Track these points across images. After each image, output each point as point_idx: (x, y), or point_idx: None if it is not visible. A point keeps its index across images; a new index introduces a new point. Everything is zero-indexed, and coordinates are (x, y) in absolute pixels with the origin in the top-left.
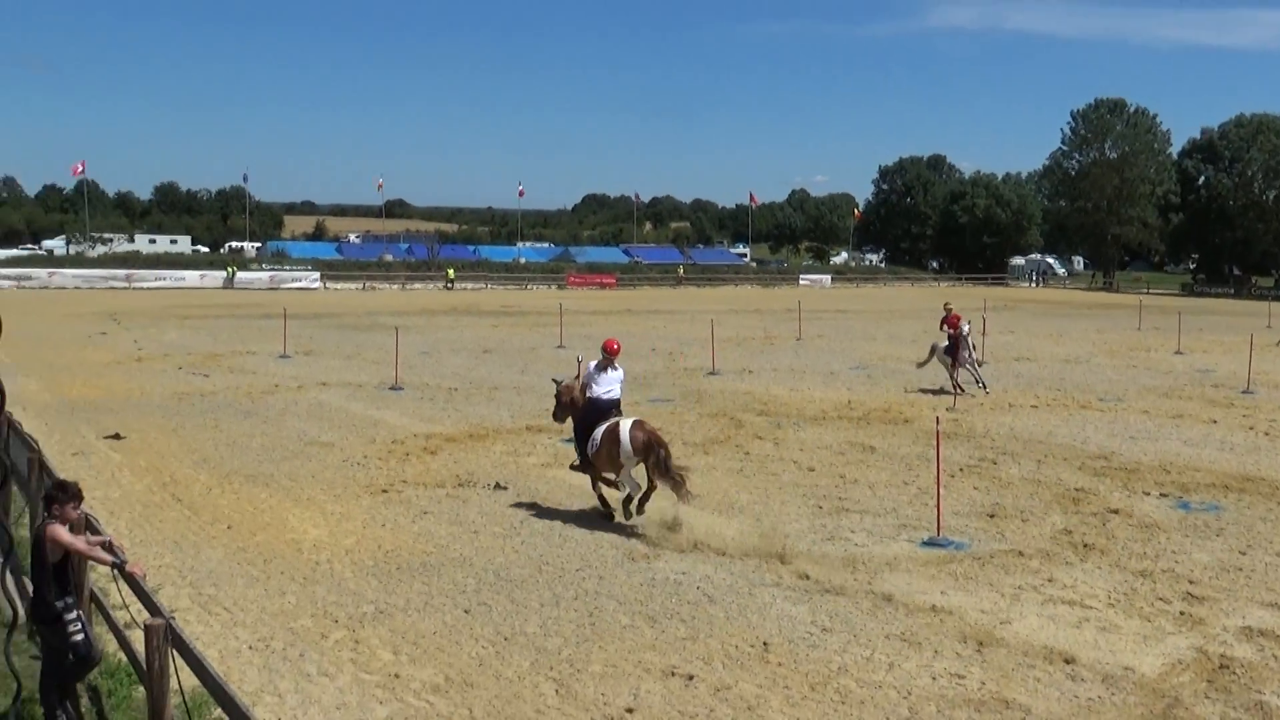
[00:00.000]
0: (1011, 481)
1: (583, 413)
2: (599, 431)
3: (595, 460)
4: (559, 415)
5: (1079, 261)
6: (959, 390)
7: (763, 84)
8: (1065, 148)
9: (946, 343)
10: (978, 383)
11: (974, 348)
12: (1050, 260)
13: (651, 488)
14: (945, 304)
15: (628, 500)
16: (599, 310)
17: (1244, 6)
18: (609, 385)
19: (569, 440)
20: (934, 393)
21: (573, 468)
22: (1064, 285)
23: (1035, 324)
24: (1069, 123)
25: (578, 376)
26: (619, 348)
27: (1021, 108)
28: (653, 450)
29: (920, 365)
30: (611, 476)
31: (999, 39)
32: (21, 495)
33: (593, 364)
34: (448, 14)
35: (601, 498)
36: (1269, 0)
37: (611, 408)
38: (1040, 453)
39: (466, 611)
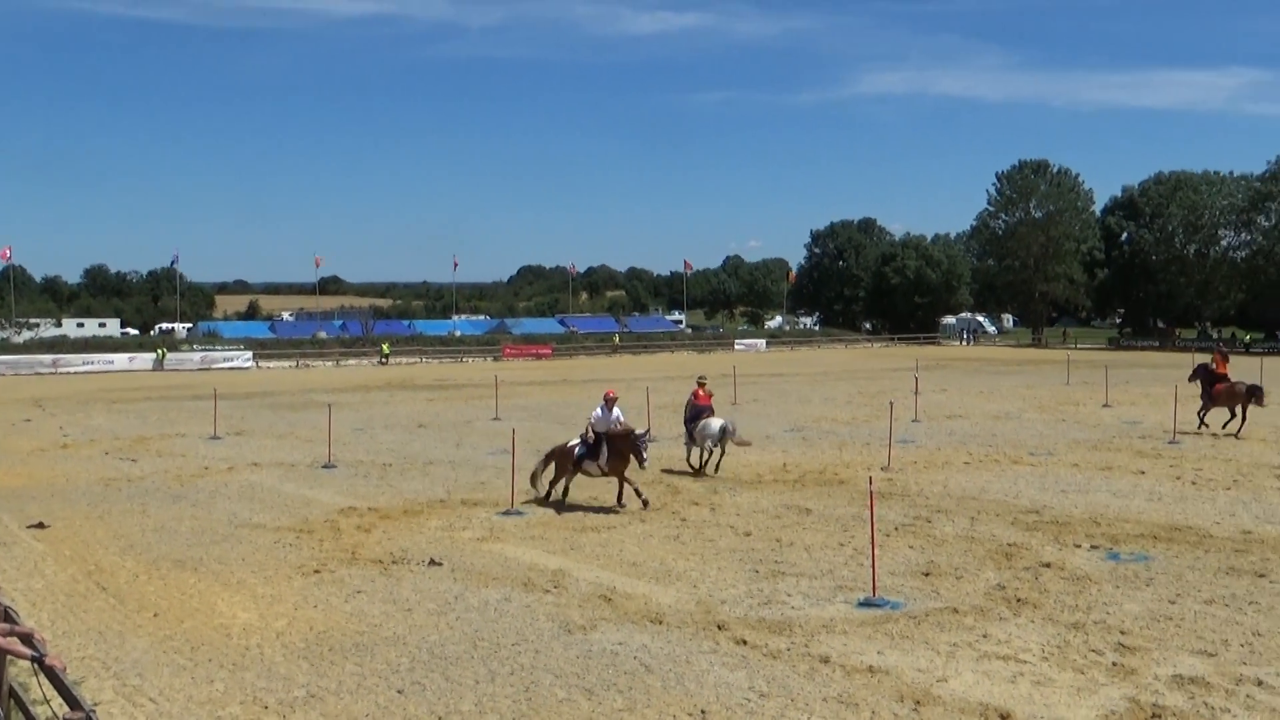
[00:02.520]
0: (945, 539)
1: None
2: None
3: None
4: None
5: (1009, 319)
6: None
7: (696, 152)
8: (992, 208)
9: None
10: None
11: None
12: (980, 319)
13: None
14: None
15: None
16: (535, 381)
17: (1161, 69)
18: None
19: (505, 513)
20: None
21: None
22: (994, 343)
23: (967, 381)
24: (994, 184)
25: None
26: (615, 396)
27: (949, 170)
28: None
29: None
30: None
31: (926, 103)
32: None
33: (597, 410)
34: (378, 87)
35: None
36: (1184, 62)
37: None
38: (973, 509)
39: (400, 692)
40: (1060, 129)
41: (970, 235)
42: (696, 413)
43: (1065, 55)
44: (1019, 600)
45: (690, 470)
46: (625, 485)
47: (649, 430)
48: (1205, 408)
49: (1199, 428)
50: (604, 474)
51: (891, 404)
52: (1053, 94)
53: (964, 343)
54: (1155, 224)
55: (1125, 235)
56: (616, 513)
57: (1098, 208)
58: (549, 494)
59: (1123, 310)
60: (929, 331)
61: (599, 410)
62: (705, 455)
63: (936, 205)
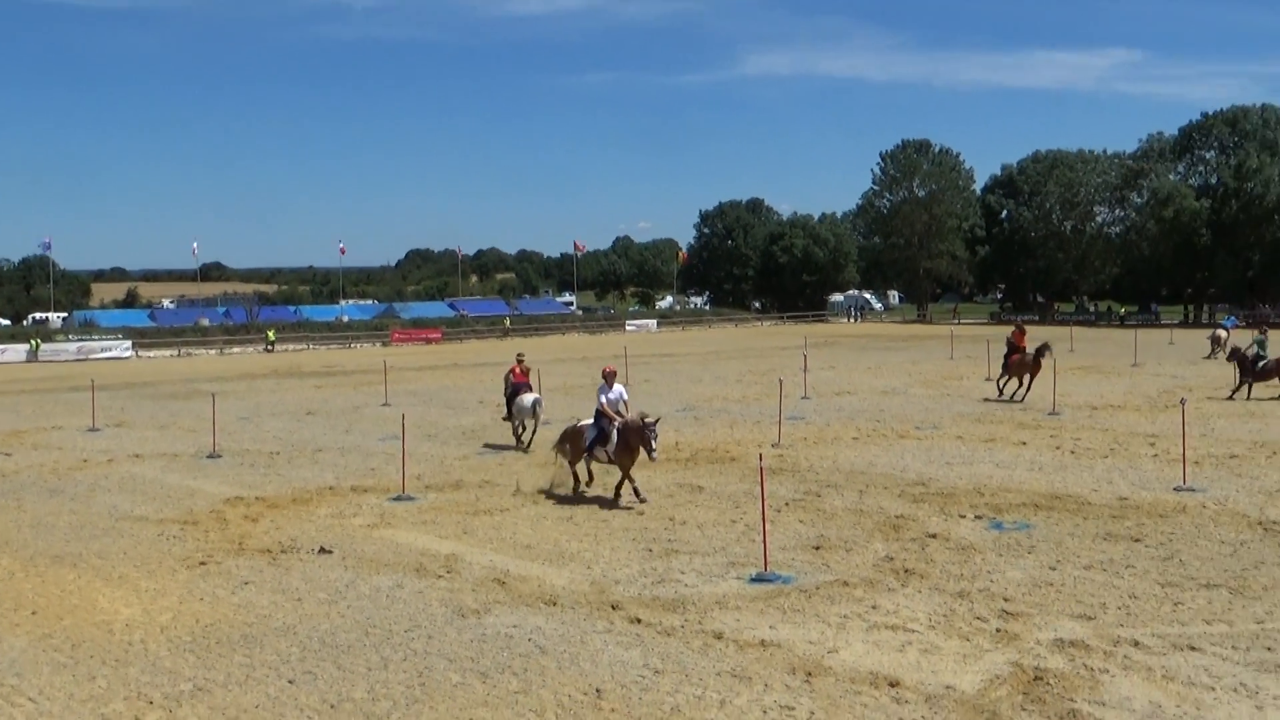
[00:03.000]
0: (835, 513)
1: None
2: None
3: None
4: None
5: (894, 296)
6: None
7: (585, 134)
8: (876, 187)
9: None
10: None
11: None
12: (867, 296)
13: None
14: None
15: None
16: (425, 365)
17: (1039, 49)
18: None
19: (396, 499)
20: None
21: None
22: (881, 319)
23: (854, 358)
24: (879, 163)
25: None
26: (614, 370)
27: (835, 150)
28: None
29: None
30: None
31: (811, 84)
32: None
33: (605, 389)
34: (258, 68)
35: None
36: (1062, 42)
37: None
38: (862, 483)
39: (291, 682)
40: (942, 109)
41: (856, 214)
42: (515, 390)
43: (946, 36)
44: (906, 571)
45: (516, 446)
46: (627, 481)
47: (658, 419)
48: (1005, 378)
49: (998, 396)
50: (609, 462)
51: (781, 381)
52: (934, 74)
53: (851, 320)
54: (1033, 201)
55: (1005, 212)
56: (515, 496)
57: (978, 186)
58: (578, 484)
59: (1003, 285)
60: (817, 309)
61: (604, 389)
62: (522, 430)
63: (823, 185)
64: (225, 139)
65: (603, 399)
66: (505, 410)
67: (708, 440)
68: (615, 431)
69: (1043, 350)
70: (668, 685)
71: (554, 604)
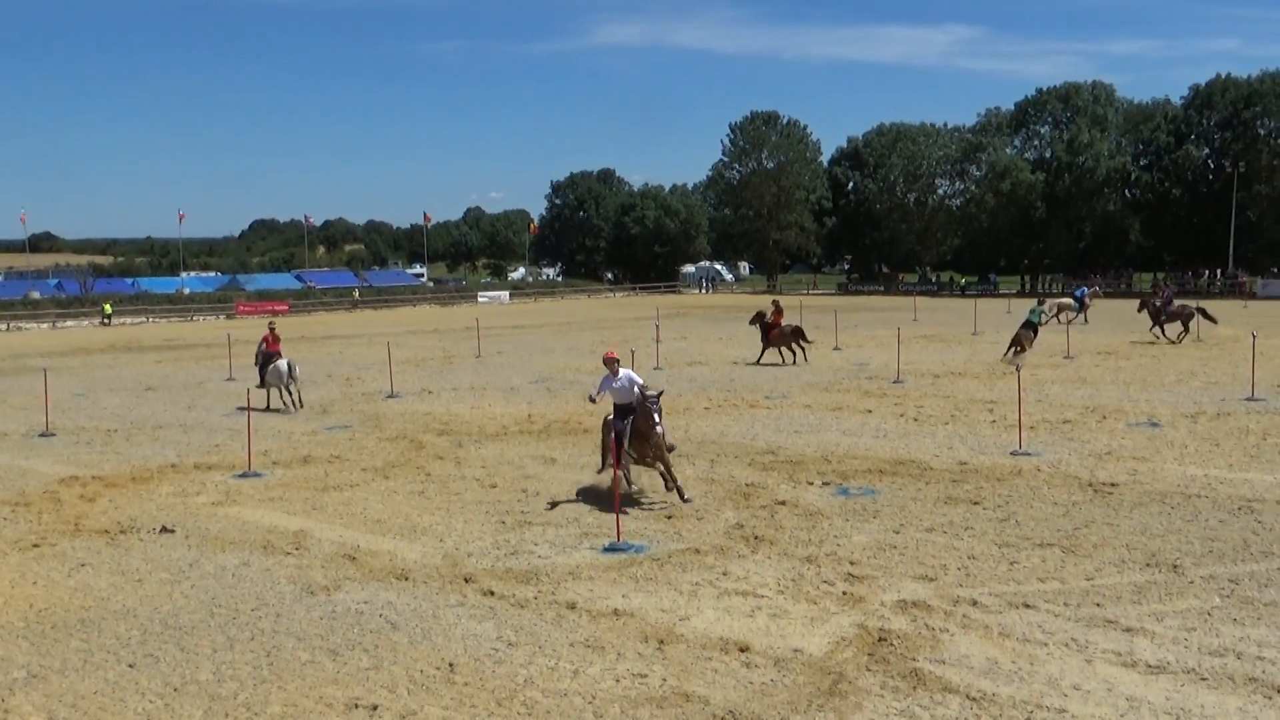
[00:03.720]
0: (687, 482)
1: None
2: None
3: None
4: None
5: (745, 267)
6: None
7: (434, 102)
8: (726, 159)
9: None
10: None
11: None
12: (719, 267)
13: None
14: None
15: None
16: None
17: (885, 24)
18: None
19: (242, 475)
20: None
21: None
22: (732, 290)
23: (706, 329)
24: (728, 135)
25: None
26: (616, 356)
27: (685, 121)
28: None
29: None
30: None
31: (662, 55)
32: None
33: (605, 377)
34: (91, 28)
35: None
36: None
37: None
38: (714, 452)
39: (131, 666)
40: (790, 81)
41: (706, 185)
42: (268, 358)
43: (794, 10)
44: (756, 538)
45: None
46: (664, 472)
47: (661, 392)
48: (764, 350)
49: (758, 361)
50: (638, 462)
51: (633, 352)
52: (783, 47)
53: (703, 291)
54: (878, 174)
55: (851, 185)
56: (370, 471)
57: (825, 158)
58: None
59: (850, 257)
60: (669, 280)
61: (607, 380)
62: (283, 394)
63: (674, 156)
64: (54, 103)
65: (603, 393)
66: (259, 379)
67: (560, 412)
68: (628, 424)
69: (798, 333)
70: (521, 657)
71: (406, 579)
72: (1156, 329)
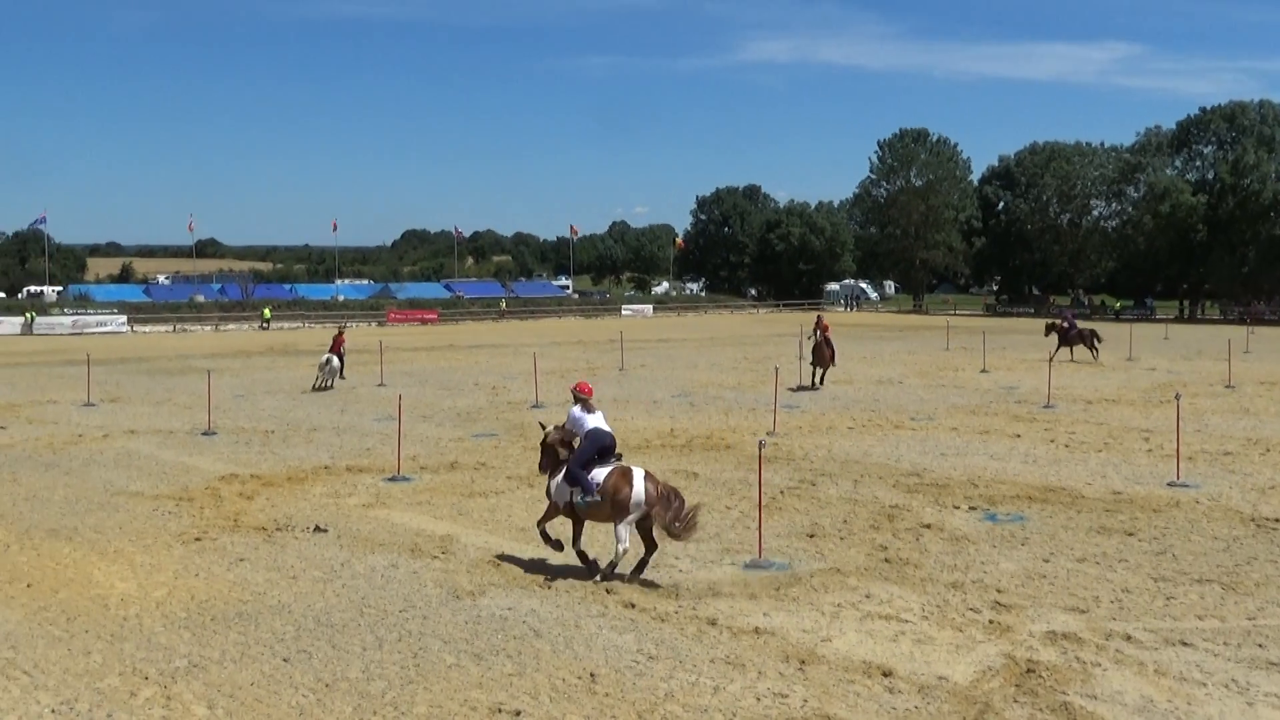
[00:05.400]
0: (830, 501)
1: (584, 448)
2: (602, 472)
3: (590, 507)
4: (545, 465)
5: (890, 286)
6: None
7: (582, 118)
8: (874, 176)
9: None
10: None
11: None
12: (863, 285)
13: (652, 549)
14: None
15: (611, 564)
16: (420, 347)
17: (1041, 41)
18: (601, 424)
19: (391, 479)
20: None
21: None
22: (877, 309)
23: (850, 348)
24: (876, 152)
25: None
26: (591, 389)
27: (832, 138)
28: (670, 504)
29: None
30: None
31: (810, 71)
32: None
33: (575, 409)
34: (258, 46)
35: (551, 538)
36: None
37: (613, 445)
38: (857, 472)
39: (285, 660)
40: (940, 99)
41: (853, 203)
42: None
43: (945, 26)
44: (901, 560)
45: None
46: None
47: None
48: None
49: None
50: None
51: (777, 369)
52: (933, 64)
53: (847, 309)
54: (1030, 193)
55: (1002, 204)
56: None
57: (975, 176)
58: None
59: (999, 277)
60: (813, 298)
61: (576, 410)
62: (322, 380)
63: (820, 173)
64: (223, 115)
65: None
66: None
67: (703, 427)
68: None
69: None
70: (662, 670)
71: (549, 587)
72: None
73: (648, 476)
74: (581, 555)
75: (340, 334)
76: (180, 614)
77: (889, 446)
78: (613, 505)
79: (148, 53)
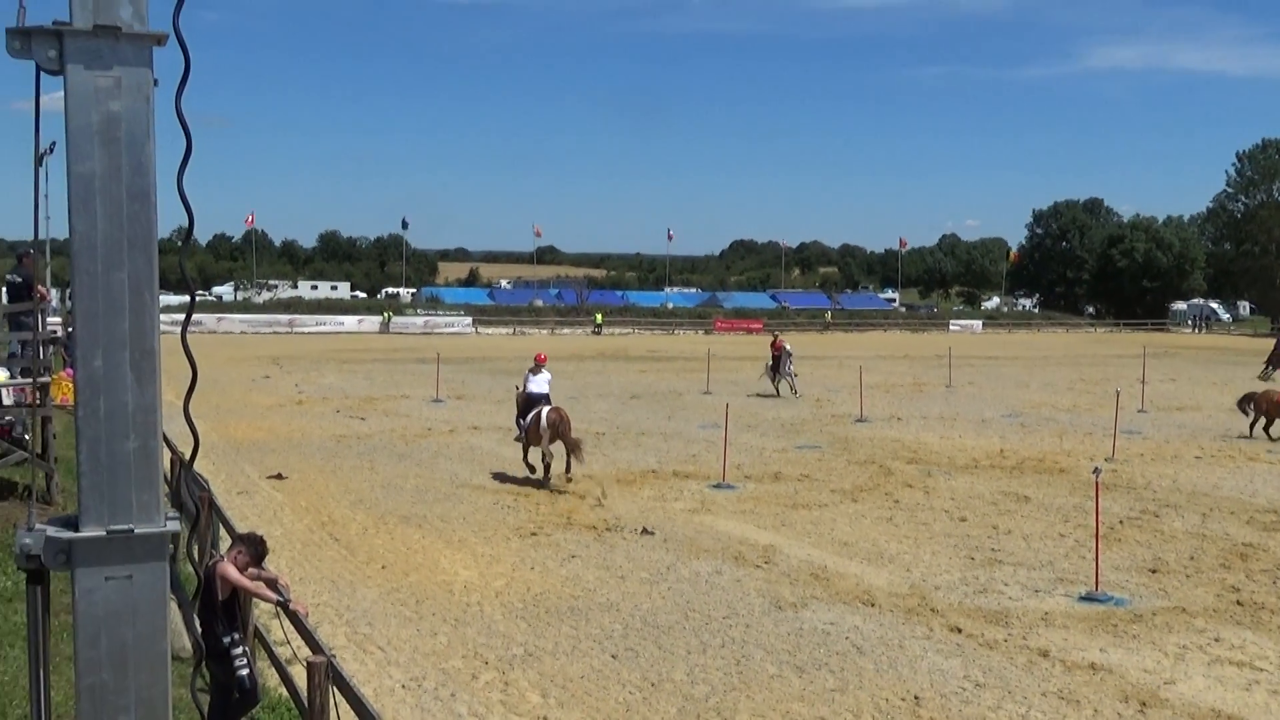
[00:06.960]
0: (1175, 535)
1: (522, 402)
2: (530, 415)
3: (528, 434)
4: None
5: (1244, 307)
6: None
7: (913, 128)
8: (1230, 189)
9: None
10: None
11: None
12: (1214, 305)
13: (552, 458)
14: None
15: (547, 467)
16: (746, 356)
17: None
18: (539, 384)
19: (716, 486)
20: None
21: (516, 439)
22: (1228, 331)
23: (1198, 371)
24: (1234, 164)
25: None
26: (545, 358)
27: (1184, 149)
28: (557, 428)
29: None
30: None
31: (1162, 78)
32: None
33: (528, 371)
34: (599, 69)
35: (530, 463)
36: None
37: (541, 399)
38: (1205, 506)
39: (614, 657)
40: None
41: (1205, 218)
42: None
43: None
44: (1255, 605)
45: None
46: (529, 456)
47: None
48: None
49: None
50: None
51: (1118, 392)
52: None
53: (1195, 330)
54: None
55: None
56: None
57: None
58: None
59: None
60: (1157, 317)
61: (527, 372)
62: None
63: (1169, 185)
64: (566, 131)
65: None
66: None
67: (1034, 449)
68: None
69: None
70: (989, 700)
71: (872, 604)
72: None
73: (552, 409)
74: (530, 466)
75: (776, 340)
76: (517, 604)
77: (1242, 479)
78: (534, 433)
79: (500, 71)
